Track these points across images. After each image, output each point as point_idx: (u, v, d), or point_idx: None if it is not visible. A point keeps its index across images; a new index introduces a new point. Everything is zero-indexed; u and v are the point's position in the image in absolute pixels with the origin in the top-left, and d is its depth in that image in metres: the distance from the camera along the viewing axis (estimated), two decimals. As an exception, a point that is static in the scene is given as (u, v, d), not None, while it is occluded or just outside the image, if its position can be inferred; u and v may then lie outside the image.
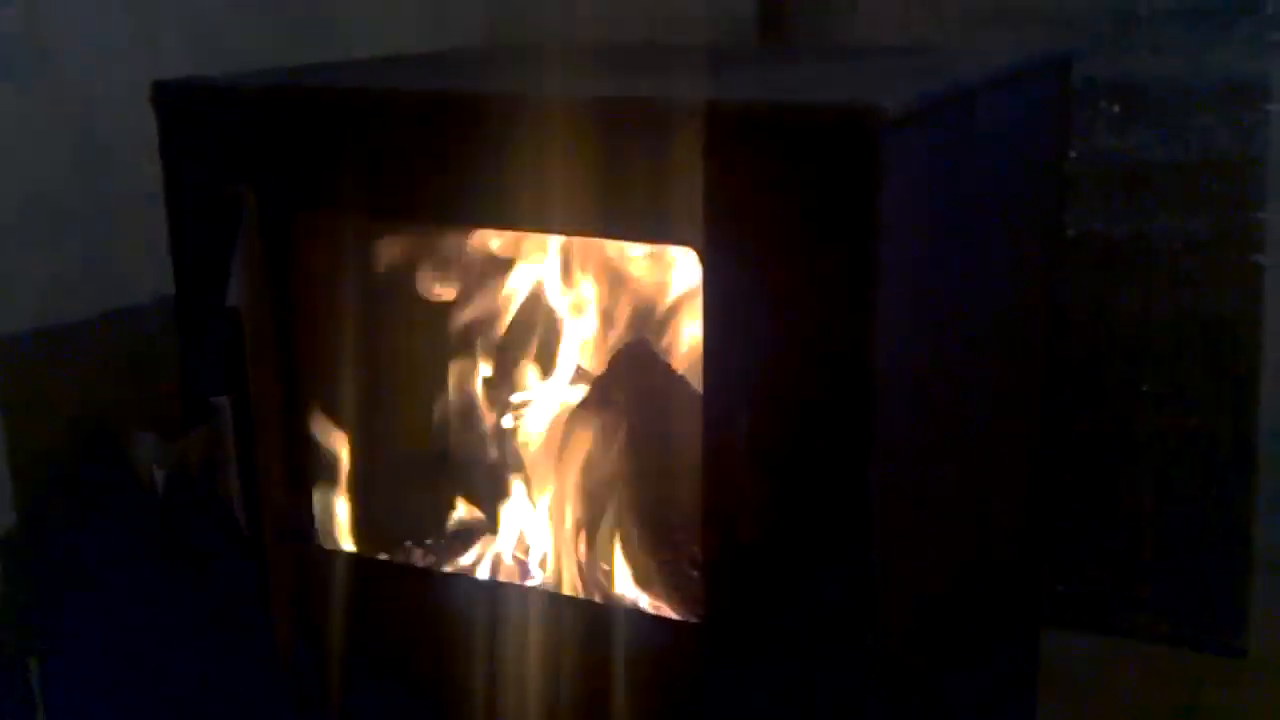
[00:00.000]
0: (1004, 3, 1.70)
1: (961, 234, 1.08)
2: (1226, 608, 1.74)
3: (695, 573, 1.09)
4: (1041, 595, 1.66)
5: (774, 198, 0.90)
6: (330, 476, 1.17)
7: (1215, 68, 1.62)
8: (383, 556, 1.20)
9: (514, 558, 1.23)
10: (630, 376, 1.20)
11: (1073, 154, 1.69)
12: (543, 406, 1.24)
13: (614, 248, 1.18)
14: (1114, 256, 1.71)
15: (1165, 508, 1.74)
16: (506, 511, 1.24)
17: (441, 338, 1.24)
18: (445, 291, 1.22)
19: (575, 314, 1.23)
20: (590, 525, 1.17)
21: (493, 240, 1.20)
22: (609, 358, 1.22)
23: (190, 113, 1.10)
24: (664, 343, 1.20)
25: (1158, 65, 1.65)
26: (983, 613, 1.31)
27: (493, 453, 1.25)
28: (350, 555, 1.16)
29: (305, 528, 1.11)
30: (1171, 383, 1.71)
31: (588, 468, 1.18)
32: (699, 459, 0.96)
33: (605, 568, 1.16)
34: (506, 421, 1.25)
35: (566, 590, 1.17)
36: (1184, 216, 1.67)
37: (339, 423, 1.16)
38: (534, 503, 1.22)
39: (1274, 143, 1.62)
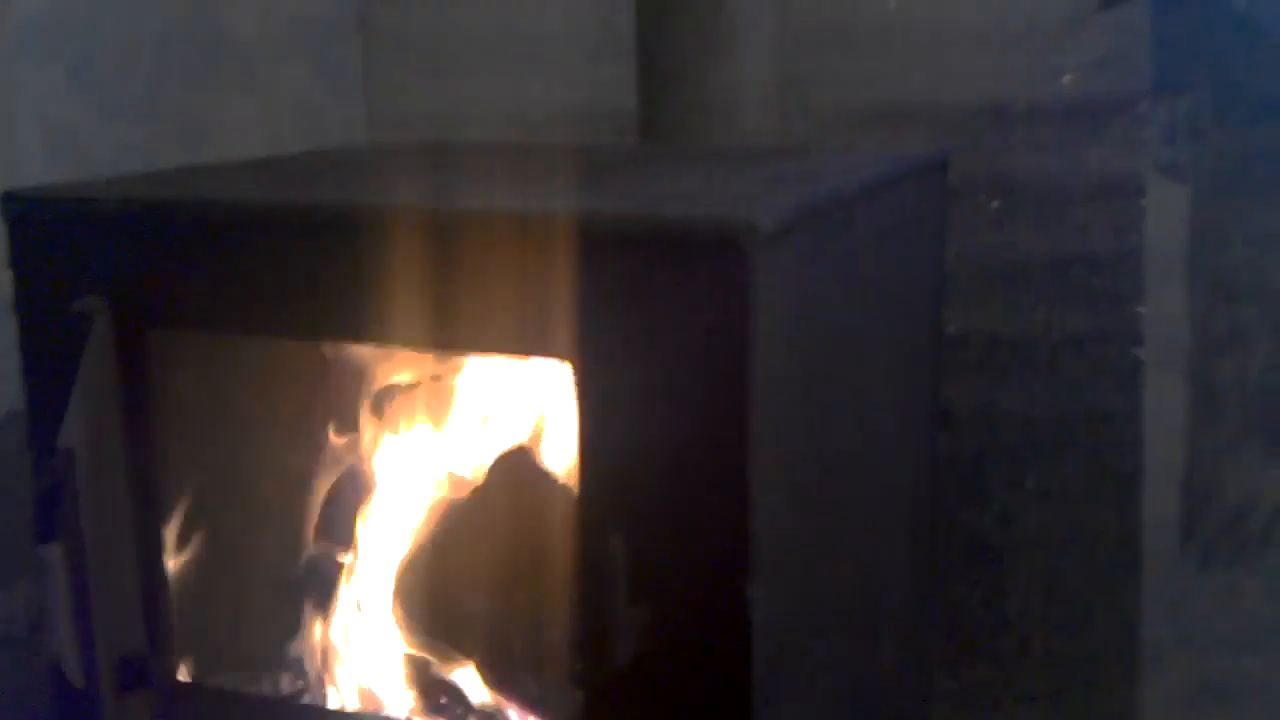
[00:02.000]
0: (880, 104, 1.72)
1: (840, 339, 1.07)
2: (1117, 701, 1.73)
3: (571, 693, 1.05)
4: (930, 693, 1.64)
5: (650, 312, 0.88)
6: (187, 606, 1.11)
7: (1091, 165, 1.64)
8: (242, 689, 1.14)
9: (376, 684, 1.18)
10: (508, 486, 1.17)
11: (953, 250, 1.69)
12: (412, 520, 1.20)
13: (487, 359, 1.15)
14: (995, 353, 1.71)
15: (1053, 603, 1.73)
16: (367, 635, 1.19)
17: (304, 455, 1.19)
18: (306, 407, 1.18)
19: (447, 425, 1.19)
20: (459, 643, 1.13)
21: (359, 354, 1.16)
22: (487, 467, 1.18)
23: (42, 224, 1.05)
24: (539, 458, 1.17)
25: (1034, 163, 1.67)
26: (871, 716, 1.29)
27: (357, 573, 1.21)
28: (207, 689, 1.10)
29: (156, 668, 1.05)
30: (1056, 479, 1.71)
31: (459, 582, 1.14)
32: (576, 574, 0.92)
33: (472, 691, 1.12)
34: (371, 539, 1.21)
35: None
36: (1063, 312, 1.68)
37: (196, 549, 1.10)
38: (400, 624, 1.18)
39: (1149, 238, 1.64)
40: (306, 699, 1.16)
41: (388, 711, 1.17)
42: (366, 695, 1.18)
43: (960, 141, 1.69)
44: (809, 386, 0.99)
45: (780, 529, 0.92)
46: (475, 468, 1.19)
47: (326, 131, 1.92)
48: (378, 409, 1.20)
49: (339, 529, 1.23)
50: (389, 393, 1.20)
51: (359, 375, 1.19)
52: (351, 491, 1.22)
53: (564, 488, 1.13)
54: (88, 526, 0.91)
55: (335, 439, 1.22)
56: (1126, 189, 1.64)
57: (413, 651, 1.17)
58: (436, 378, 1.18)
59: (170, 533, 1.08)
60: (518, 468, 1.16)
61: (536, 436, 1.16)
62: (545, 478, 1.15)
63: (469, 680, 1.15)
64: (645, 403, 0.88)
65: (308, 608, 1.21)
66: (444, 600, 1.15)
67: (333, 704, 1.17)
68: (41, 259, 1.06)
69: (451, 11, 1.94)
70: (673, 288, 0.87)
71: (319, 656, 1.21)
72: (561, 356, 0.91)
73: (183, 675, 1.10)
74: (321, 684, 1.19)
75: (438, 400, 1.19)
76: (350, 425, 1.22)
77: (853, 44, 1.73)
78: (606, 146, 1.51)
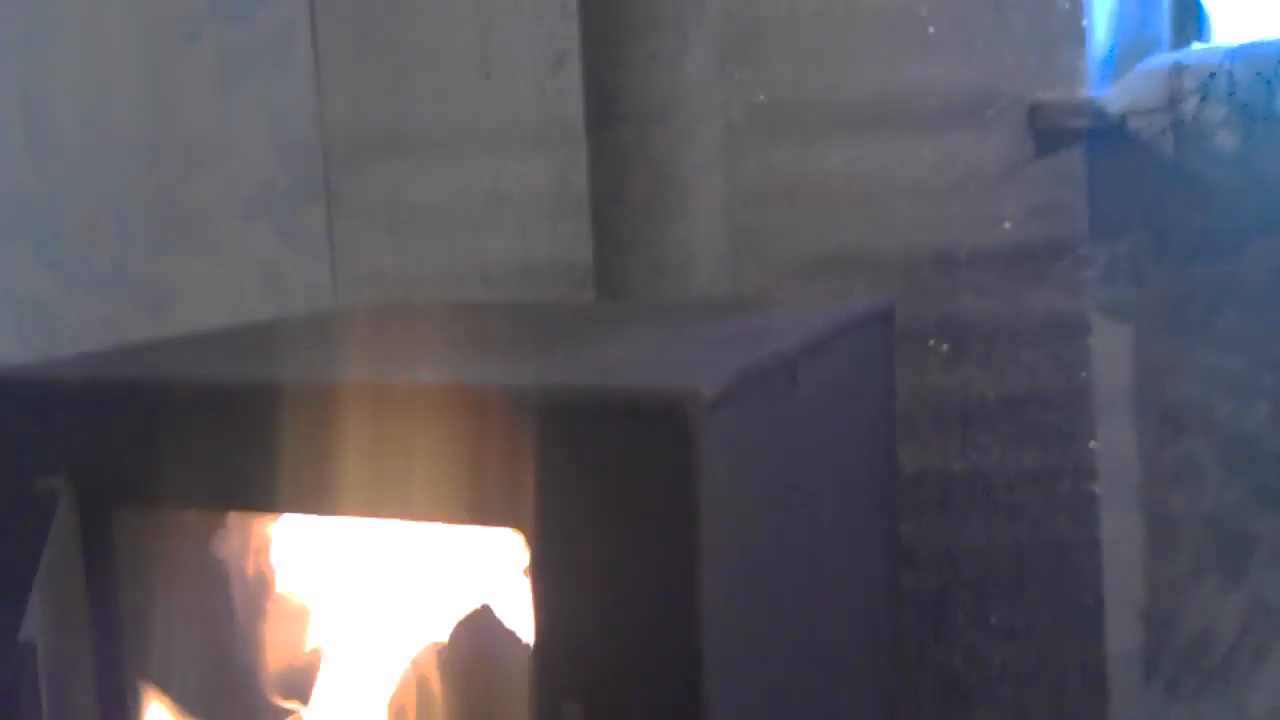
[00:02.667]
0: (829, 253, 1.77)
1: (790, 491, 1.09)
2: (1093, 838, 1.73)
3: None
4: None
5: (599, 480, 0.90)
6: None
7: (1036, 307, 1.69)
8: None
9: None
10: (470, 649, 1.18)
11: (907, 391, 1.73)
12: (374, 684, 1.20)
13: (443, 528, 1.16)
14: (954, 491, 1.74)
15: (1024, 740, 1.74)
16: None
17: (275, 624, 1.20)
18: (274, 579, 1.19)
19: (407, 592, 1.21)
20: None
21: (322, 525, 1.17)
22: (449, 630, 1.19)
23: (3, 404, 1.07)
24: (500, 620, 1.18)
25: (981, 306, 1.71)
26: None
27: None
28: None
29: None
30: (1020, 613, 1.73)
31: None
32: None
33: None
34: (333, 704, 1.21)
35: None
36: (1018, 449, 1.72)
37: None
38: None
39: (1097, 376, 1.68)
40: None
41: None
42: None
43: (908, 287, 1.74)
44: (761, 542, 1.01)
45: (737, 688, 0.94)
46: (435, 632, 1.20)
47: (292, 293, 1.96)
48: (339, 576, 1.22)
49: (301, 692, 1.23)
50: (348, 560, 1.22)
51: (318, 543, 1.20)
52: (314, 656, 1.23)
53: (527, 647, 1.15)
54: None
55: (296, 605, 1.23)
56: (1072, 329, 1.68)
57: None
58: (394, 545, 1.19)
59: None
60: (480, 630, 1.17)
61: (496, 600, 1.17)
62: (508, 639, 1.16)
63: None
64: (597, 570, 0.90)
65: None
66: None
67: None
68: (3, 440, 1.08)
69: (411, 176, 1.99)
70: (621, 456, 0.89)
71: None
72: (513, 526, 0.93)
73: None
74: None
75: (397, 566, 1.20)
76: (311, 593, 1.23)
77: (800, 197, 1.78)
78: (563, 305, 1.54)
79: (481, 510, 0.95)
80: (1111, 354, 1.70)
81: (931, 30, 1.71)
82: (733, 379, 0.94)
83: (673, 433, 0.87)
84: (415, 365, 1.07)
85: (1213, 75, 1.53)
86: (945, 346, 1.73)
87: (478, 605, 1.20)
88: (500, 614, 1.19)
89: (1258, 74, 1.52)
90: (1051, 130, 1.65)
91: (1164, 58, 1.63)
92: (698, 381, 0.89)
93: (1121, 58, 1.81)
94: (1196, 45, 1.81)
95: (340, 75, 2.02)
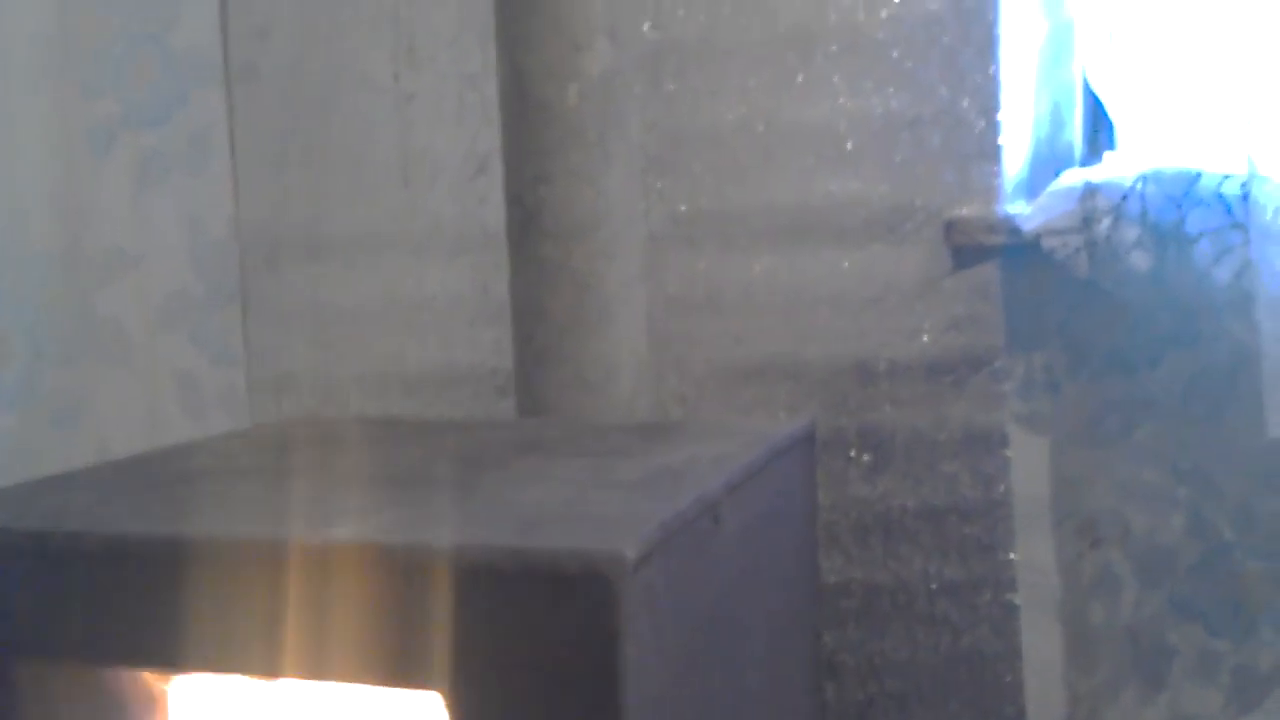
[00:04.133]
0: (750, 363, 1.77)
1: (716, 634, 1.08)
2: None
3: None
4: None
5: (521, 641, 0.88)
6: None
7: (955, 418, 1.70)
8: None
9: None
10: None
11: (829, 502, 1.74)
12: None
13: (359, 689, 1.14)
14: (877, 601, 1.74)
15: None
16: None
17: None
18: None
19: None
20: None
21: (232, 685, 1.14)
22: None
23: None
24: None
25: (901, 417, 1.72)
26: None
27: None
28: None
29: None
30: (943, 726, 1.73)
31: None
32: None
33: None
34: None
35: None
36: (939, 560, 1.72)
37: None
38: None
39: (1016, 488, 1.69)
40: None
41: None
42: None
43: (828, 397, 1.75)
44: (686, 688, 1.00)
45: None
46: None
47: (207, 401, 1.92)
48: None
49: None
50: None
51: (228, 703, 1.17)
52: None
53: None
54: None
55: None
56: (991, 441, 1.70)
57: None
58: (308, 707, 1.16)
59: None
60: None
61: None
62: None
63: None
64: (518, 734, 0.88)
65: None
66: None
67: None
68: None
69: (330, 280, 1.98)
70: (543, 618, 0.88)
71: None
72: (432, 687, 0.91)
73: None
74: None
75: None
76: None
77: (721, 307, 1.79)
78: (483, 426, 1.52)
79: (399, 671, 0.93)
80: (1030, 466, 1.71)
81: (850, 145, 1.73)
82: (656, 533, 0.93)
83: (595, 596, 0.86)
84: (329, 515, 1.05)
85: (1125, 197, 1.56)
86: (866, 457, 1.74)
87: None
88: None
89: (1168, 196, 1.55)
90: (968, 246, 1.67)
91: (1077, 176, 1.66)
92: (619, 541, 0.88)
93: (1036, 169, 1.84)
94: (1108, 155, 1.85)
95: (258, 179, 2.01)
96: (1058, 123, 1.86)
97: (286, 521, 1.02)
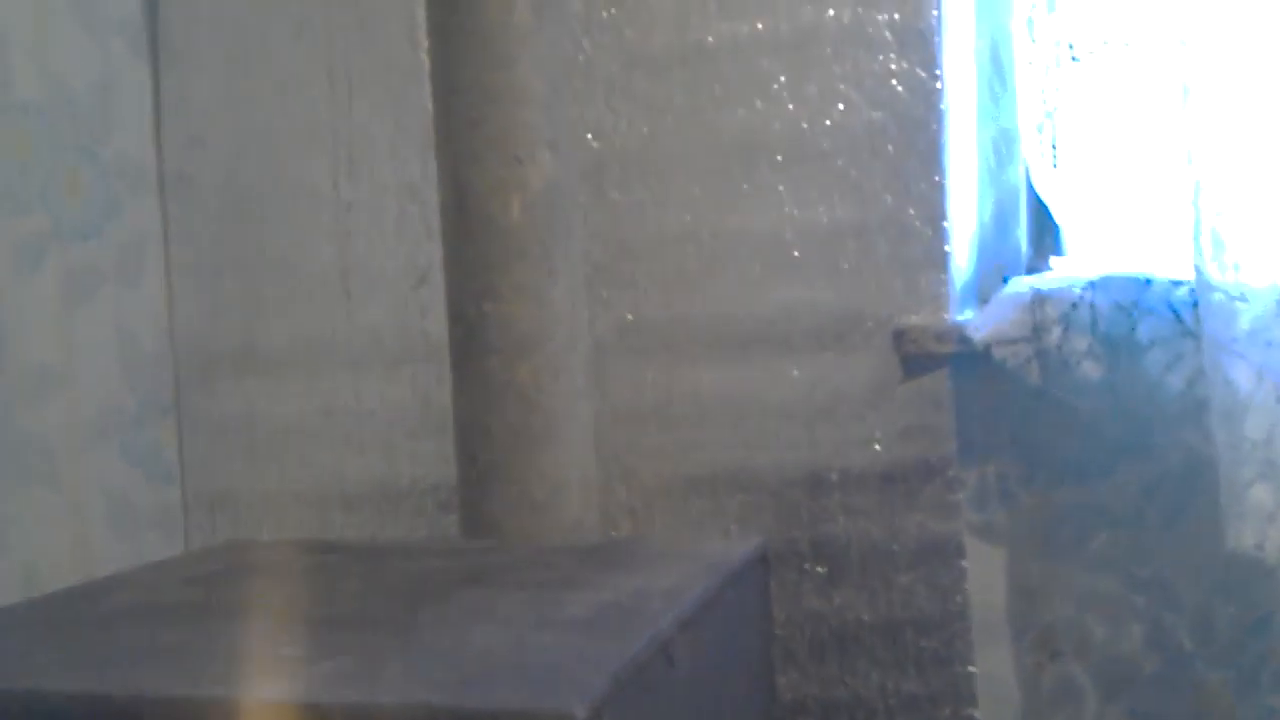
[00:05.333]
0: (699, 473, 1.74)
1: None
2: None
3: None
4: None
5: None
6: None
7: (909, 529, 1.67)
8: None
9: None
10: None
11: (784, 617, 1.70)
12: None
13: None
14: (834, 718, 1.69)
15: None
16: None
17: None
18: None
19: None
20: None
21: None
22: None
23: None
24: None
25: (855, 528, 1.69)
26: None
27: None
28: None
29: None
30: None
31: None
32: None
33: None
34: None
35: None
36: (897, 675, 1.68)
37: None
38: None
39: (973, 599, 1.66)
40: None
41: None
42: None
43: (780, 508, 1.71)
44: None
45: None
46: None
47: (139, 520, 1.86)
48: None
49: None
50: None
51: None
52: None
53: None
54: None
55: None
56: (946, 551, 1.67)
57: None
58: None
59: None
60: None
61: None
62: None
63: None
64: None
65: None
66: None
67: None
68: None
69: (266, 392, 1.93)
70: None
71: None
72: None
73: None
74: None
75: None
76: None
77: (669, 418, 1.76)
78: (424, 550, 1.48)
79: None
80: (986, 576, 1.68)
81: (796, 254, 1.71)
82: (607, 686, 0.88)
83: (546, 760, 0.81)
84: (264, 667, 0.99)
85: (1074, 305, 1.55)
86: (820, 570, 1.70)
87: None
88: None
89: (1118, 305, 1.54)
90: (918, 354, 1.65)
91: (1025, 284, 1.65)
92: (569, 697, 0.83)
93: (982, 273, 1.83)
94: (1055, 259, 1.84)
95: (193, 290, 1.96)
96: (1003, 226, 1.86)
97: (217, 678, 0.97)
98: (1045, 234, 1.88)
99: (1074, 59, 1.81)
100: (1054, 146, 1.81)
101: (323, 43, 1.88)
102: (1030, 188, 1.85)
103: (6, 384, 1.65)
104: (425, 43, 1.70)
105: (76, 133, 1.79)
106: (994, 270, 1.85)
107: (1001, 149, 1.85)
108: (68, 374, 1.75)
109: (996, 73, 1.84)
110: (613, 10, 1.78)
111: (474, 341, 1.54)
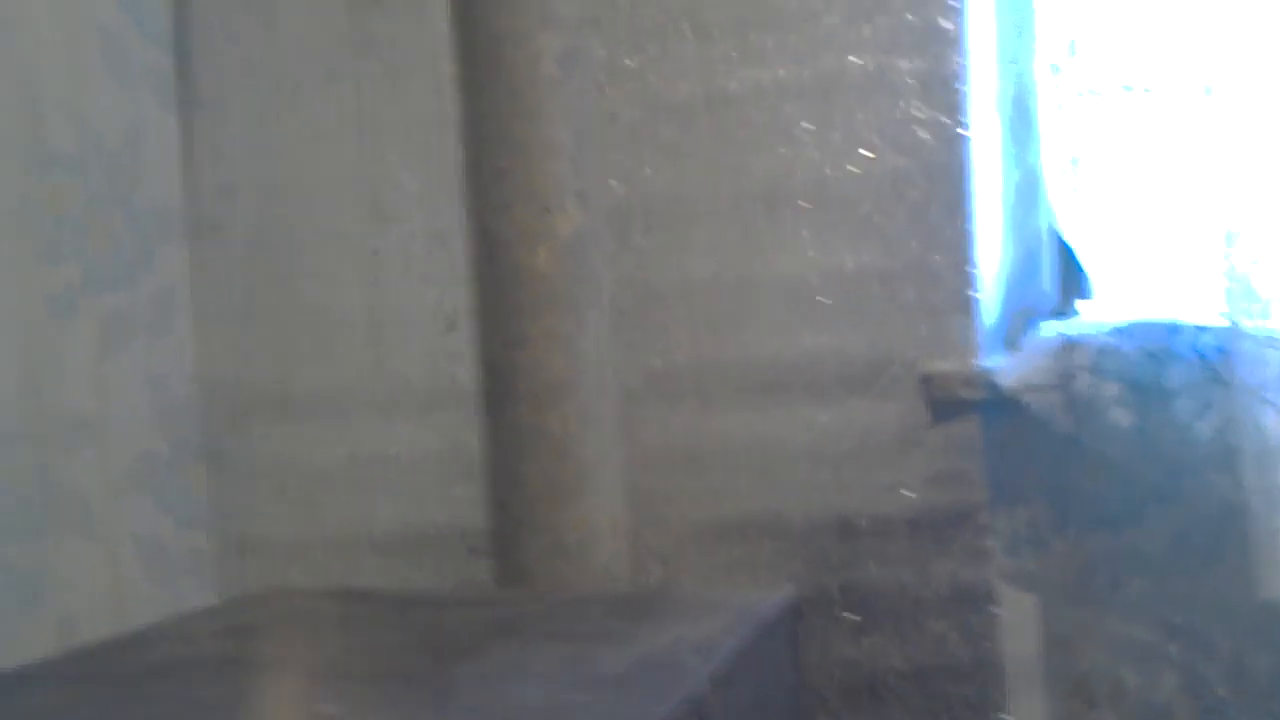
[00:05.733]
0: (730, 519, 1.74)
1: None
2: None
3: None
4: None
5: None
6: None
7: (941, 575, 1.67)
8: None
9: None
10: None
11: (814, 663, 1.69)
12: None
13: None
14: (865, 767, 1.69)
15: None
16: None
17: None
18: None
19: None
20: None
21: None
22: None
23: None
24: None
25: (885, 575, 1.69)
26: None
27: None
28: None
29: None
30: None
31: None
32: None
33: None
34: None
35: None
36: (928, 722, 1.68)
37: None
38: None
39: (1006, 646, 1.65)
40: None
41: None
42: None
43: (811, 555, 1.71)
44: None
45: None
46: None
47: (171, 565, 1.87)
48: None
49: None
50: None
51: None
52: None
53: None
54: None
55: None
56: (978, 598, 1.66)
57: None
58: None
59: None
60: None
61: None
62: None
63: None
64: None
65: None
66: None
67: None
68: None
69: (296, 437, 1.94)
70: None
71: None
72: None
73: None
74: None
75: None
76: None
77: (698, 463, 1.76)
78: (457, 601, 1.48)
79: None
80: (1019, 623, 1.67)
81: (822, 299, 1.71)
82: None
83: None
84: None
85: (1103, 352, 1.55)
86: (851, 616, 1.70)
87: None
88: None
89: (1146, 351, 1.53)
90: (946, 400, 1.65)
91: (1053, 329, 1.65)
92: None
93: (1009, 317, 1.83)
94: (1082, 303, 1.84)
95: (223, 336, 1.98)
96: (1029, 269, 1.86)
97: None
98: (1071, 277, 1.88)
99: (1098, 103, 1.81)
100: (1079, 192, 1.82)
101: (352, 92, 1.90)
102: (1056, 231, 1.85)
103: (41, 434, 1.67)
104: (453, 91, 1.71)
105: (109, 183, 1.81)
106: (1020, 313, 1.84)
107: (1026, 191, 1.85)
108: (101, 422, 1.77)
109: (1020, 116, 1.84)
110: (636, 58, 1.79)
111: (504, 389, 1.55)
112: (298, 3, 1.92)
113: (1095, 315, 1.79)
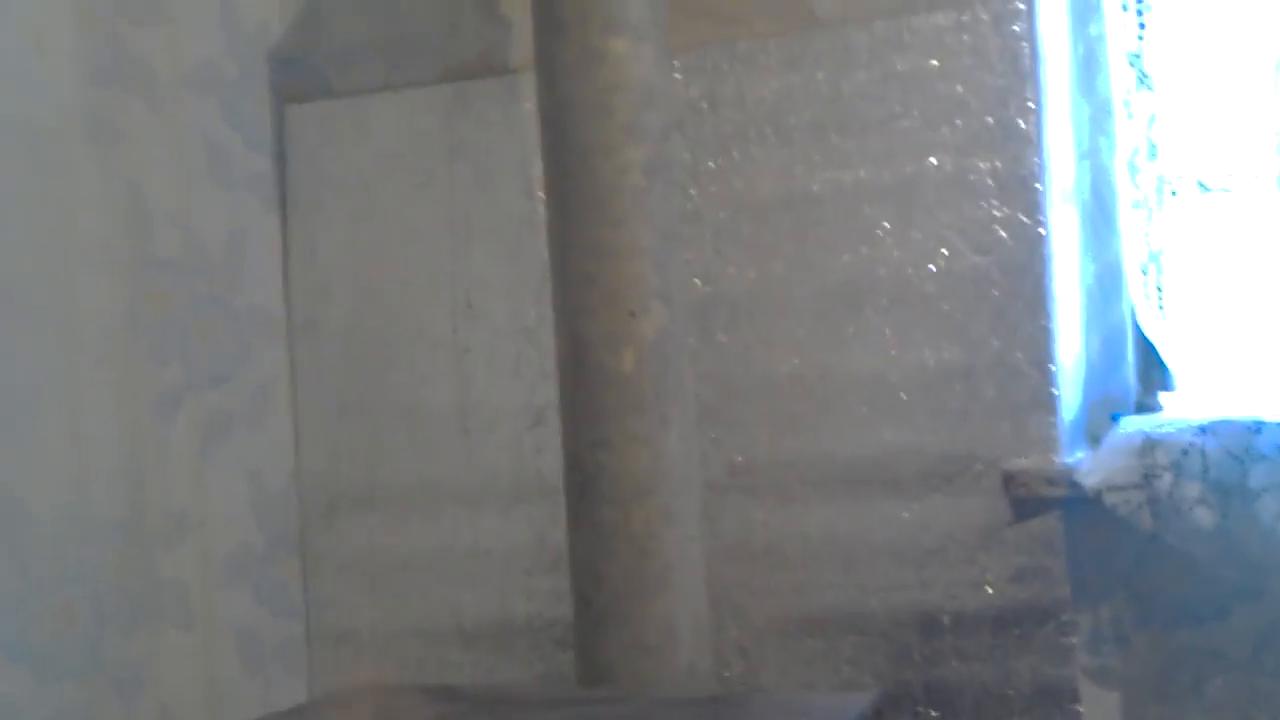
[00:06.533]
0: (810, 614, 1.76)
1: None
2: None
3: None
4: None
5: None
6: None
7: (1023, 673, 1.67)
8: None
9: None
10: None
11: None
12: None
13: None
14: None
15: None
16: None
17: None
18: None
19: None
20: None
21: None
22: None
23: None
24: None
25: (967, 672, 1.69)
26: None
27: None
28: None
29: None
30: None
31: None
32: None
33: None
34: None
35: None
36: (1014, 820, 1.67)
37: None
38: None
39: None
40: None
41: None
42: None
43: (892, 651, 1.72)
44: None
45: None
46: None
47: (266, 656, 1.92)
48: None
49: None
50: None
51: None
52: None
53: None
54: None
55: None
56: (1061, 696, 1.66)
57: None
58: None
59: None
60: None
61: None
62: None
63: None
64: None
65: None
66: None
67: None
68: None
69: (387, 530, 1.99)
70: None
71: None
72: None
73: None
74: None
75: None
76: None
77: (780, 558, 1.78)
78: (542, 704, 1.51)
79: None
80: (1102, 721, 1.67)
81: (903, 396, 1.74)
82: None
83: None
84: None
85: (1185, 452, 1.56)
86: (934, 714, 1.70)
87: None
88: None
89: (1229, 451, 1.54)
90: (1028, 498, 1.66)
91: (1135, 425, 1.66)
92: None
93: (1091, 410, 1.84)
94: (1163, 396, 1.85)
95: (318, 431, 2.04)
96: (1110, 362, 1.87)
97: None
98: (1152, 369, 1.88)
99: (1177, 199, 1.83)
100: (1159, 288, 1.83)
101: (444, 195, 1.97)
102: (1137, 324, 1.86)
103: (145, 531, 1.73)
104: (540, 193, 1.76)
105: (211, 284, 1.89)
106: (1101, 405, 1.85)
107: (1106, 285, 1.87)
108: (200, 516, 1.83)
109: (1100, 210, 1.86)
110: (720, 160, 1.84)
111: (589, 489, 1.59)
112: (392, 109, 2.00)
113: (1178, 410, 1.79)
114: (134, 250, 1.77)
